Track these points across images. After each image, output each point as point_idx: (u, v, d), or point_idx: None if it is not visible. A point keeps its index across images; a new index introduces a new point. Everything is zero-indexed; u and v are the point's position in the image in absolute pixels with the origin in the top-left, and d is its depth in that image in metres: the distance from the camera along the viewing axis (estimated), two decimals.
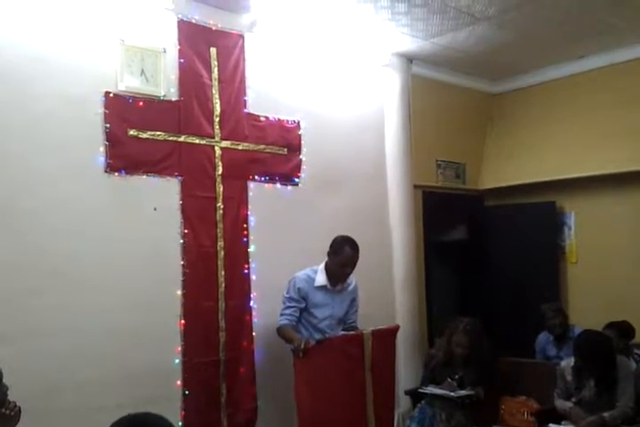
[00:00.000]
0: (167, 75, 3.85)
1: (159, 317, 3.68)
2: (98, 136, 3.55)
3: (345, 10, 4.25)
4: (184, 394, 3.72)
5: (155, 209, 3.75)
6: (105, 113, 3.57)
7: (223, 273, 3.97)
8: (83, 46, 3.55)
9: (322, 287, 3.83)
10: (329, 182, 4.64)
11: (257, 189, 4.21)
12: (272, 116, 4.34)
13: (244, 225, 4.11)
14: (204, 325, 3.85)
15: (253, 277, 4.11)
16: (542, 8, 4.34)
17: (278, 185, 4.35)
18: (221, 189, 4.02)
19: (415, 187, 5.34)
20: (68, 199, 3.43)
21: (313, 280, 3.84)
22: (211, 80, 4.03)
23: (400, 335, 4.23)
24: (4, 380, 2.39)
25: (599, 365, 3.63)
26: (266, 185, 4.28)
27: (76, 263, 3.43)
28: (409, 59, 5.31)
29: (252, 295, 4.09)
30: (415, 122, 5.33)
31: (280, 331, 3.75)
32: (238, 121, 4.15)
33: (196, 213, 3.89)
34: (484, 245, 6.10)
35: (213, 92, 4.04)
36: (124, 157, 3.63)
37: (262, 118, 4.29)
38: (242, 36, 4.22)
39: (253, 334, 4.05)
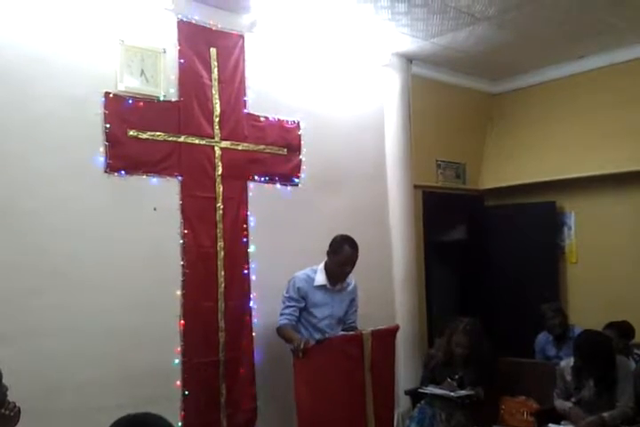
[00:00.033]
0: (167, 75, 3.85)
1: (159, 317, 3.68)
2: (98, 136, 3.55)
3: (345, 10, 4.25)
4: (184, 394, 3.72)
5: (154, 209, 3.75)
6: (105, 113, 3.57)
7: (223, 273, 3.97)
8: (83, 47, 3.55)
9: (321, 287, 3.84)
10: (329, 182, 4.64)
11: (257, 190, 4.21)
12: (272, 116, 4.34)
13: (244, 225, 4.11)
14: (204, 325, 3.85)
15: (253, 277, 4.11)
16: (542, 8, 4.34)
17: (278, 185, 4.35)
18: (221, 189, 4.03)
19: (415, 187, 5.34)
20: (67, 199, 3.43)
21: (312, 280, 3.84)
22: (210, 80, 4.03)
23: (400, 335, 4.23)
24: (3, 380, 2.39)
25: (599, 365, 3.63)
26: (266, 185, 4.28)
27: (76, 263, 3.43)
28: (409, 59, 5.31)
29: (251, 296, 4.09)
30: (415, 122, 5.33)
31: (280, 331, 3.76)
32: (238, 121, 4.15)
33: (195, 213, 3.90)
34: (483, 245, 6.10)
35: (213, 92, 4.04)
36: (124, 157, 3.63)
37: (262, 118, 4.29)
38: (242, 37, 4.22)
39: (253, 334, 4.06)
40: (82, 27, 3.55)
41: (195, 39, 3.98)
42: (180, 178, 3.85)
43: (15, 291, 3.20)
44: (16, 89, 3.31)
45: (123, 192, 3.63)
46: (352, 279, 4.00)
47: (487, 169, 6.19)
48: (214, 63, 4.06)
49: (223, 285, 3.96)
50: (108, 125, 3.57)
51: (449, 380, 4.08)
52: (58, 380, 3.27)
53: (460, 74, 5.86)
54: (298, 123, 4.48)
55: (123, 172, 3.62)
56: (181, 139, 3.87)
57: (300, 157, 4.47)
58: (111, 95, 3.61)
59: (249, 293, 4.08)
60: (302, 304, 3.81)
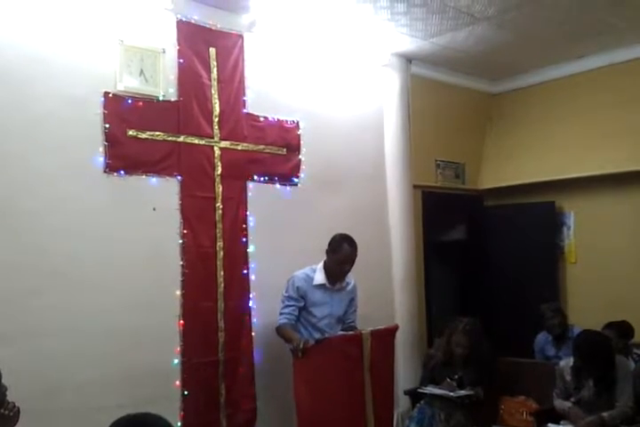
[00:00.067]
0: (166, 75, 3.85)
1: (158, 317, 3.68)
2: (97, 136, 3.55)
3: (344, 10, 4.25)
4: (183, 394, 3.72)
5: (154, 209, 3.75)
6: (104, 113, 3.57)
7: (222, 273, 3.97)
8: (82, 47, 3.55)
9: (320, 286, 3.84)
10: (328, 182, 4.64)
11: (256, 190, 4.21)
12: (271, 116, 4.34)
13: (244, 225, 4.11)
14: (204, 325, 3.85)
15: (252, 277, 4.11)
16: (542, 8, 4.34)
17: (277, 185, 4.35)
18: (220, 189, 4.02)
19: (415, 187, 5.34)
20: (67, 199, 3.43)
21: (312, 279, 3.85)
22: (210, 80, 4.03)
23: (399, 335, 4.24)
24: (3, 380, 2.39)
25: (598, 365, 3.63)
26: (265, 185, 4.28)
27: (76, 263, 3.43)
28: (408, 59, 5.31)
29: (251, 296, 4.08)
30: (414, 122, 5.33)
31: (279, 330, 3.76)
32: (237, 121, 4.15)
33: (195, 213, 3.89)
34: (483, 245, 6.10)
35: (212, 92, 4.04)
36: (124, 157, 3.63)
37: (261, 118, 4.29)
38: (241, 37, 4.22)
39: (252, 334, 4.05)
40: (81, 27, 3.55)
41: (194, 39, 3.98)
42: (179, 178, 3.85)
43: (15, 291, 3.20)
44: (16, 89, 3.31)
45: (122, 192, 3.63)
46: (351, 279, 4.01)
47: (487, 169, 6.19)
48: (213, 63, 4.05)
49: (223, 285, 3.96)
50: (107, 125, 3.57)
51: (448, 380, 4.08)
52: (57, 380, 3.27)
53: (459, 74, 5.86)
54: (297, 123, 4.48)
55: (122, 172, 3.62)
56: (181, 139, 3.87)
57: (300, 156, 4.47)
58: (110, 95, 3.60)
59: (248, 293, 4.08)
60: (302, 303, 3.82)
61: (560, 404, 3.81)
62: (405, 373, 4.87)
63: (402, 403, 4.71)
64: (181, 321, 3.76)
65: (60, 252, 3.38)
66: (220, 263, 3.96)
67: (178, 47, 3.91)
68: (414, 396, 4.39)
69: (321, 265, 3.89)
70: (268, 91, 4.36)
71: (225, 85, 4.09)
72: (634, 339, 4.41)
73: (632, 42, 5.10)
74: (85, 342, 3.40)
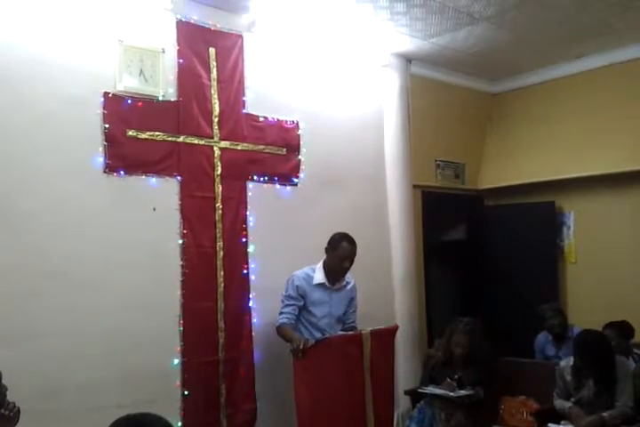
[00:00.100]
0: (166, 75, 3.85)
1: (158, 317, 3.68)
2: (97, 136, 3.55)
3: (344, 10, 4.25)
4: (183, 394, 3.72)
5: (154, 209, 3.75)
6: (104, 113, 3.57)
7: (222, 273, 3.97)
8: (82, 47, 3.55)
9: (320, 285, 3.85)
10: (328, 182, 4.64)
11: (256, 190, 4.21)
12: (271, 116, 4.34)
13: (243, 225, 4.11)
14: (204, 325, 3.85)
15: (252, 277, 4.11)
16: (541, 8, 4.34)
17: (277, 185, 4.35)
18: (220, 189, 4.02)
19: (414, 187, 5.34)
20: (67, 199, 3.43)
21: (311, 278, 3.86)
22: (209, 80, 4.03)
23: (399, 335, 4.24)
24: (3, 380, 2.39)
25: (598, 364, 3.64)
26: (265, 185, 4.28)
27: (76, 264, 3.42)
28: (408, 59, 5.31)
29: (251, 296, 4.08)
30: (414, 122, 5.33)
31: (279, 330, 3.76)
32: (237, 121, 4.15)
33: (195, 213, 3.89)
34: (483, 245, 6.10)
35: (212, 92, 4.04)
36: (123, 157, 3.63)
37: (261, 118, 4.29)
38: (241, 37, 4.22)
39: (253, 334, 4.05)
40: (81, 27, 3.55)
41: (194, 39, 3.98)
42: (179, 178, 3.85)
43: (15, 291, 3.20)
44: (15, 89, 3.31)
45: (122, 192, 3.63)
46: (351, 279, 4.01)
47: (486, 169, 6.19)
48: (213, 63, 4.05)
49: (222, 285, 3.96)
50: (107, 125, 3.57)
51: (448, 380, 4.07)
52: (58, 380, 3.27)
53: (459, 74, 5.86)
54: (297, 123, 4.48)
55: (122, 172, 3.62)
56: (180, 139, 3.87)
57: (300, 157, 4.47)
58: (110, 95, 3.60)
59: (248, 293, 4.08)
60: (301, 303, 3.82)
61: (560, 404, 3.82)
62: (405, 373, 4.87)
63: (402, 403, 4.71)
64: (181, 321, 3.76)
65: (59, 252, 3.38)
66: (219, 263, 3.96)
67: (177, 47, 3.91)
68: (414, 396, 4.39)
69: (320, 264, 3.90)
70: (268, 91, 4.35)
71: (225, 85, 4.09)
72: (634, 339, 4.40)
73: (631, 42, 5.10)
74: (85, 343, 3.40)
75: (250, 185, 4.19)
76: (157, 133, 3.77)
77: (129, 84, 3.69)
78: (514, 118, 6.10)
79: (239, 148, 4.14)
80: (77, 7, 3.54)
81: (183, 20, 3.95)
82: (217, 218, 3.99)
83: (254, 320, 4.07)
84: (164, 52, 3.85)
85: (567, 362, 3.88)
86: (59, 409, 3.23)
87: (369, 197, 4.98)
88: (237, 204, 4.10)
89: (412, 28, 4.65)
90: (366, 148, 5.01)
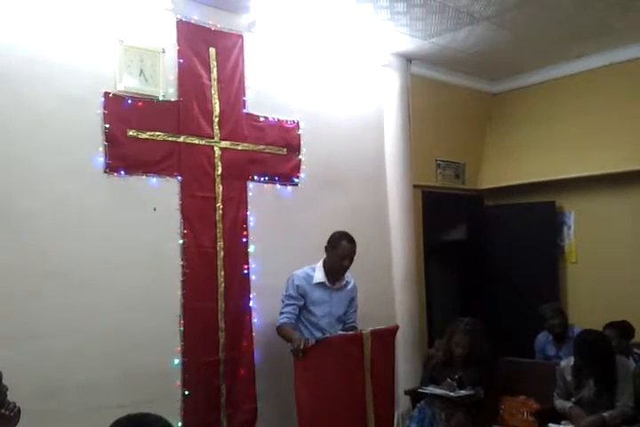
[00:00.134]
0: (166, 75, 3.85)
1: (159, 317, 3.68)
2: (97, 136, 3.55)
3: (344, 10, 4.25)
4: (184, 394, 3.72)
5: (154, 209, 3.75)
6: (104, 113, 3.57)
7: (223, 273, 3.97)
8: (82, 47, 3.55)
9: (320, 284, 3.85)
10: (328, 182, 4.64)
11: (256, 190, 4.21)
12: (271, 116, 4.34)
13: (244, 225, 4.11)
14: (204, 325, 3.85)
15: (253, 277, 4.11)
16: (542, 8, 4.34)
17: (278, 185, 4.35)
18: (221, 189, 4.02)
19: (415, 187, 5.34)
20: (67, 199, 3.43)
21: (311, 278, 3.86)
22: (210, 80, 4.03)
23: (399, 335, 4.24)
24: (3, 381, 2.39)
25: (598, 364, 3.64)
26: (265, 185, 4.28)
27: (76, 264, 3.42)
28: (408, 59, 5.31)
29: (251, 296, 4.09)
30: (414, 122, 5.33)
31: (280, 330, 3.76)
32: (237, 121, 4.15)
33: (195, 213, 3.89)
34: (483, 245, 6.10)
35: (212, 92, 4.03)
36: (124, 157, 3.63)
37: (261, 118, 4.29)
38: (241, 37, 4.22)
39: (253, 334, 4.05)
40: (81, 27, 3.55)
41: (194, 39, 3.98)
42: (179, 178, 3.85)
43: (15, 291, 3.20)
44: (16, 89, 3.30)
45: (122, 192, 3.63)
46: (351, 278, 4.01)
47: (487, 169, 6.19)
48: (213, 63, 4.05)
49: (223, 285, 3.96)
50: (107, 125, 3.57)
51: (449, 380, 4.07)
52: (58, 380, 3.27)
53: (459, 74, 5.86)
54: (297, 123, 4.48)
55: (122, 172, 3.62)
56: (181, 139, 3.87)
57: (300, 156, 4.47)
58: (110, 95, 3.60)
59: (249, 293, 4.08)
60: (301, 302, 3.82)
61: (561, 404, 3.82)
62: (406, 373, 4.87)
63: (402, 403, 4.71)
64: (182, 321, 3.76)
65: (59, 252, 3.37)
66: (220, 263, 3.96)
67: (178, 47, 3.91)
68: (415, 396, 4.39)
69: (320, 264, 3.90)
70: (268, 91, 4.35)
71: (225, 85, 4.09)
72: (634, 339, 4.40)
73: (631, 42, 5.10)
74: (86, 343, 3.40)
75: (250, 185, 4.19)
76: (158, 133, 3.77)
77: (129, 84, 3.69)
78: (514, 118, 6.10)
79: (239, 148, 4.14)
80: (77, 7, 3.54)
81: (183, 19, 3.95)
82: (217, 218, 3.99)
83: (255, 320, 4.07)
84: (164, 52, 3.85)
85: (567, 362, 3.88)
86: (59, 409, 3.23)
87: (369, 197, 4.98)
88: (238, 204, 4.10)
89: (413, 28, 4.65)
90: (366, 148, 5.01)
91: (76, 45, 3.53)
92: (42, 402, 3.12)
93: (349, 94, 4.92)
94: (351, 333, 3.81)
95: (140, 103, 3.71)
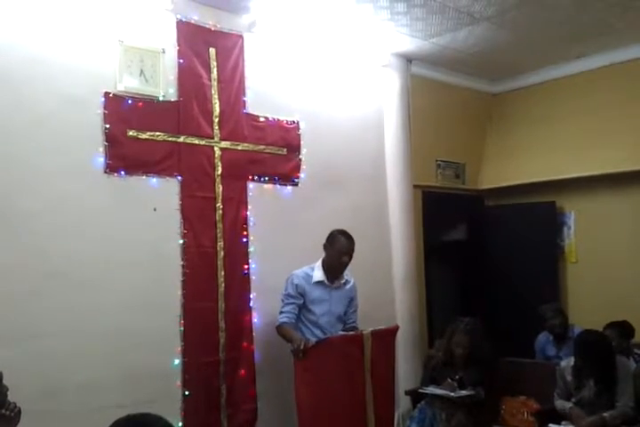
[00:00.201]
0: (166, 75, 3.85)
1: (159, 317, 3.68)
2: (97, 137, 3.55)
3: (344, 10, 4.25)
4: (184, 395, 3.71)
5: (154, 209, 3.75)
6: (104, 113, 3.57)
7: (223, 273, 3.97)
8: (82, 47, 3.54)
9: (319, 283, 3.86)
10: (328, 182, 4.64)
11: (256, 190, 4.21)
12: (271, 116, 4.34)
13: (244, 225, 4.11)
14: (204, 325, 3.85)
15: (253, 277, 4.11)
16: (542, 8, 4.34)
17: (278, 185, 4.35)
18: (221, 189, 4.02)
19: (415, 187, 5.34)
20: (67, 200, 3.43)
21: (310, 277, 3.87)
22: (210, 80, 4.03)
23: (400, 335, 4.23)
24: (4, 381, 2.39)
25: (599, 365, 3.64)
26: (265, 185, 4.28)
27: (76, 264, 3.42)
28: (408, 59, 5.31)
29: (251, 296, 4.08)
30: (415, 122, 5.33)
31: (280, 330, 3.76)
32: (237, 121, 4.15)
33: (195, 213, 3.89)
34: (483, 245, 6.10)
35: (212, 92, 4.03)
36: (124, 157, 3.63)
37: (261, 119, 4.29)
38: (241, 37, 4.22)
39: (253, 334, 4.05)
40: (81, 27, 3.55)
41: (194, 39, 3.98)
42: (179, 178, 3.85)
43: (15, 292, 3.20)
44: (16, 89, 3.30)
45: (122, 192, 3.63)
46: (351, 278, 4.02)
47: (487, 169, 6.19)
48: (213, 63, 4.05)
49: (223, 285, 3.96)
50: (107, 126, 3.57)
51: (449, 380, 4.07)
52: (58, 380, 3.27)
53: (459, 74, 5.86)
54: (297, 123, 4.48)
55: (122, 172, 3.62)
56: (181, 139, 3.87)
57: (300, 157, 4.47)
58: (111, 95, 3.60)
59: (249, 293, 4.08)
60: (301, 301, 3.82)
61: (561, 404, 3.82)
62: (406, 373, 4.87)
63: (403, 403, 4.71)
64: (182, 321, 3.76)
65: (60, 252, 3.37)
66: (220, 263, 3.96)
67: (178, 47, 3.91)
68: (415, 396, 4.39)
69: (319, 263, 3.92)
70: (268, 91, 4.35)
71: (225, 86, 4.09)
72: (634, 339, 4.40)
73: (631, 42, 5.10)
74: (86, 343, 3.39)
75: (250, 185, 4.19)
76: (158, 134, 3.77)
77: (129, 84, 3.69)
78: (514, 118, 6.10)
79: (239, 148, 4.14)
80: (78, 7, 3.54)
81: (183, 20, 3.95)
82: (217, 218, 3.99)
83: (255, 320, 4.07)
84: (164, 52, 3.85)
85: (568, 362, 3.88)
86: (59, 409, 3.23)
87: (369, 197, 4.98)
88: (238, 204, 4.10)
89: (413, 28, 4.65)
90: (367, 148, 5.01)
91: (77, 45, 3.53)
92: (42, 402, 3.11)
93: (349, 94, 4.92)
94: (351, 333, 3.81)
95: (141, 103, 3.71)
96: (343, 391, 3.60)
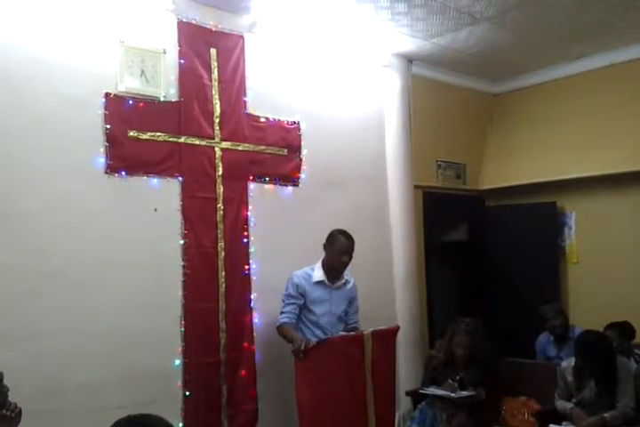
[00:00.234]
0: (167, 76, 3.85)
1: (160, 318, 3.68)
2: (98, 137, 3.55)
3: (345, 10, 4.25)
4: (185, 395, 3.71)
5: (155, 210, 3.75)
6: (105, 114, 3.57)
7: (223, 274, 3.97)
8: (83, 47, 3.55)
9: (320, 283, 3.86)
10: (329, 183, 4.64)
11: (257, 190, 4.21)
12: (272, 116, 4.34)
13: (245, 226, 4.11)
14: (205, 326, 3.85)
15: (254, 277, 4.11)
16: (542, 8, 4.34)
17: (278, 186, 4.35)
18: (222, 189, 4.02)
19: (415, 187, 5.34)
20: (68, 200, 3.43)
21: (310, 277, 3.88)
22: (211, 81, 4.03)
23: (400, 336, 4.23)
24: (4, 381, 2.39)
25: (599, 365, 3.64)
26: (266, 186, 4.28)
27: (76, 264, 3.42)
28: (409, 59, 5.31)
29: (252, 296, 4.08)
30: (415, 122, 5.33)
31: (280, 330, 3.76)
32: (238, 122, 4.15)
33: (196, 213, 3.89)
34: (484, 246, 6.10)
35: (213, 92, 4.03)
36: (125, 157, 3.63)
37: (262, 119, 4.29)
38: (242, 37, 4.22)
39: (254, 334, 4.05)
40: (82, 27, 3.55)
41: (195, 40, 3.98)
42: (180, 179, 3.85)
43: (15, 292, 3.20)
44: (16, 90, 3.30)
45: (123, 193, 3.63)
46: (351, 278, 4.02)
47: (488, 169, 6.19)
48: (214, 64, 4.05)
49: (224, 285, 3.96)
50: (108, 126, 3.57)
51: (450, 381, 4.07)
52: (58, 381, 3.27)
53: (460, 74, 5.86)
54: (298, 123, 4.48)
55: (123, 172, 3.62)
56: (182, 139, 3.87)
57: (301, 157, 4.47)
58: (111, 96, 3.60)
59: (249, 293, 4.08)
60: (301, 301, 3.83)
61: (561, 404, 3.82)
62: (407, 373, 4.86)
63: (403, 404, 4.70)
64: (183, 322, 3.76)
65: (60, 252, 3.37)
66: (221, 264, 3.96)
67: (179, 48, 3.91)
68: (416, 397, 4.38)
69: (319, 263, 3.92)
70: (269, 91, 4.35)
71: (226, 86, 4.09)
72: (635, 340, 4.40)
73: (632, 42, 5.10)
74: (86, 343, 3.39)
75: (251, 186, 4.19)
76: (158, 134, 3.77)
77: (130, 84, 3.69)
78: (515, 119, 6.10)
79: (240, 148, 4.14)
80: (78, 8, 3.54)
81: (184, 20, 3.95)
82: (218, 218, 3.99)
83: (255, 321, 4.07)
84: (165, 52, 3.85)
85: (568, 363, 3.87)
86: (59, 410, 3.23)
87: (370, 198, 4.98)
88: (238, 204, 4.10)
89: (413, 29, 4.65)
90: (367, 148, 5.01)
91: (78, 46, 3.53)
92: (42, 403, 3.11)
93: (350, 95, 4.92)
94: (352, 333, 3.81)
95: (141, 104, 3.71)
96: (344, 392, 3.60)
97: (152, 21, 3.83)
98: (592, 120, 5.45)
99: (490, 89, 6.26)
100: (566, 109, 5.66)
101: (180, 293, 3.77)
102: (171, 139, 3.82)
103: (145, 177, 3.71)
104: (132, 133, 3.65)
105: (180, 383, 3.71)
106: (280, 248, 4.24)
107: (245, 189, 4.15)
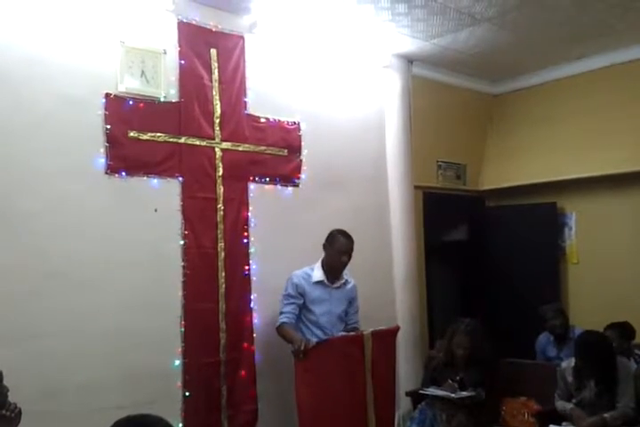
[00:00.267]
0: (167, 76, 3.85)
1: (159, 318, 3.68)
2: (98, 137, 3.55)
3: (345, 11, 4.25)
4: (184, 395, 3.71)
5: (155, 210, 3.75)
6: (105, 114, 3.57)
7: (224, 274, 3.97)
8: (83, 48, 3.55)
9: (319, 283, 3.87)
10: (329, 183, 4.64)
11: (257, 191, 4.21)
12: (272, 117, 4.34)
13: (245, 226, 4.11)
14: (205, 326, 3.85)
15: (254, 278, 4.11)
16: (542, 9, 4.34)
17: (279, 186, 4.35)
18: (222, 190, 4.02)
19: (416, 188, 5.34)
20: (68, 200, 3.43)
21: (310, 277, 3.89)
22: (211, 81, 4.03)
23: (400, 336, 4.23)
24: (4, 381, 2.39)
25: (599, 365, 3.64)
26: (266, 186, 4.28)
27: (77, 264, 3.42)
28: (409, 60, 5.31)
29: (252, 296, 4.08)
30: (416, 123, 5.33)
31: (280, 330, 3.76)
32: (238, 122, 4.15)
33: (196, 214, 3.89)
34: (484, 246, 6.10)
35: (214, 93, 4.04)
36: (125, 158, 3.63)
37: (262, 120, 4.29)
38: (242, 38, 4.22)
39: (254, 335, 4.05)
40: (82, 28, 3.55)
41: (195, 40, 3.98)
42: (180, 179, 3.85)
43: (15, 292, 3.20)
44: (16, 90, 3.31)
45: (123, 193, 3.63)
46: (351, 278, 4.02)
47: (488, 170, 6.19)
48: (215, 64, 4.06)
49: (224, 285, 3.96)
50: (108, 126, 3.57)
51: (450, 381, 4.07)
52: (58, 381, 3.27)
53: (460, 75, 5.86)
54: (298, 124, 4.48)
55: (123, 173, 3.62)
56: (182, 140, 3.87)
57: (301, 157, 4.47)
58: (112, 96, 3.61)
59: (249, 293, 4.08)
60: (301, 301, 3.83)
61: (561, 405, 3.82)
62: (407, 374, 4.86)
63: (403, 404, 4.70)
64: (183, 322, 3.76)
65: (60, 253, 3.37)
66: (221, 264, 3.96)
67: (179, 48, 3.91)
68: (416, 397, 4.38)
69: (319, 263, 3.93)
70: (269, 92, 4.36)
71: (226, 86, 4.09)
72: (635, 340, 4.40)
73: (632, 43, 5.10)
74: (86, 343, 3.40)
75: (251, 186, 4.19)
76: (159, 134, 3.77)
77: (130, 85, 3.69)
78: (515, 119, 6.10)
79: (240, 149, 4.15)
80: (79, 8, 3.54)
81: (184, 20, 3.95)
82: (218, 219, 3.99)
83: (255, 321, 4.07)
84: (165, 53, 3.85)
85: (568, 363, 3.88)
86: (59, 410, 3.23)
87: (370, 198, 4.98)
88: (239, 205, 4.10)
89: (414, 29, 4.65)
90: (367, 148, 5.01)
91: (77, 46, 3.53)
92: (42, 403, 3.11)
93: (350, 95, 4.92)
94: (352, 333, 3.81)
95: (142, 104, 3.71)
96: (344, 392, 3.61)
97: (152, 22, 3.83)
98: (592, 120, 5.45)
99: (490, 89, 6.27)
100: (566, 110, 5.66)
101: (180, 293, 3.77)
102: (171, 139, 3.82)
103: (145, 177, 3.71)
104: (132, 134, 3.65)
105: (179, 384, 3.71)
106: (280, 249, 4.24)
107: (245, 189, 4.15)
